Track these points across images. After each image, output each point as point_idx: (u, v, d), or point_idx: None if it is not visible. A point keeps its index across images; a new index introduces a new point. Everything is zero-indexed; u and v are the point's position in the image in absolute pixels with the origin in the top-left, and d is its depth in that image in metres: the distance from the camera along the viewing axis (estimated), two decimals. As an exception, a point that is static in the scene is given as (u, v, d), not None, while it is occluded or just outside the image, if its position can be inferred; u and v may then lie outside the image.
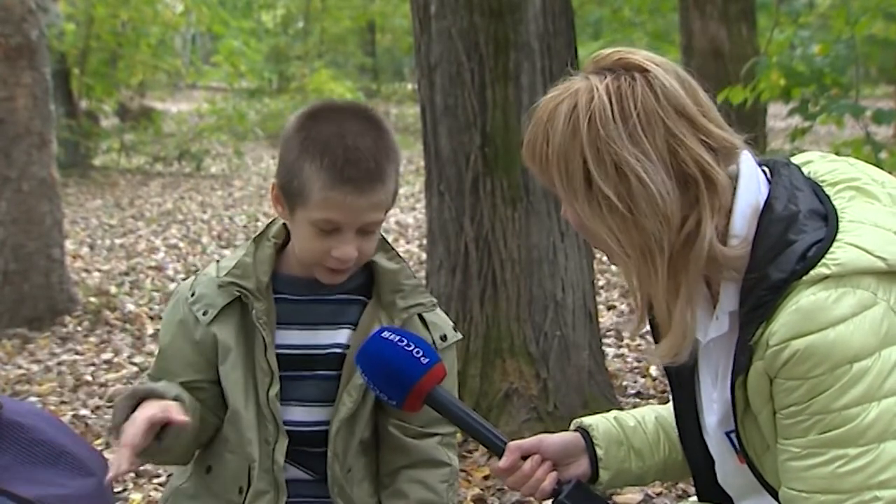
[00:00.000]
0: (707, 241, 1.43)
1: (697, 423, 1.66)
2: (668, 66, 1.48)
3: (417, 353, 1.69)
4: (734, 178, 1.48)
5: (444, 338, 1.93)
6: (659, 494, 3.41)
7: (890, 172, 1.57)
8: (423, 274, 6.00)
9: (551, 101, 1.49)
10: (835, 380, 1.38)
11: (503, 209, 3.75)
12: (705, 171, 1.43)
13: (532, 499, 1.69)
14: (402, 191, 12.71)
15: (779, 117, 9.20)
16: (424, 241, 5.33)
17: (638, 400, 4.29)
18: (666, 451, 1.78)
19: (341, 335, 1.92)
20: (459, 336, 1.99)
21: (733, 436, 1.56)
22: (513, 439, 1.68)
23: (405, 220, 9.54)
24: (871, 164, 1.59)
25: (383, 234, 1.93)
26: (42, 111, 6.09)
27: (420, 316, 1.94)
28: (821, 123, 5.80)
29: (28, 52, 5.97)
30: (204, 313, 1.87)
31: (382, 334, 1.73)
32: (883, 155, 5.39)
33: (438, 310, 1.99)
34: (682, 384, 1.67)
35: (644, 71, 1.45)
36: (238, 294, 1.86)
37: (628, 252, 1.45)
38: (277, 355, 1.88)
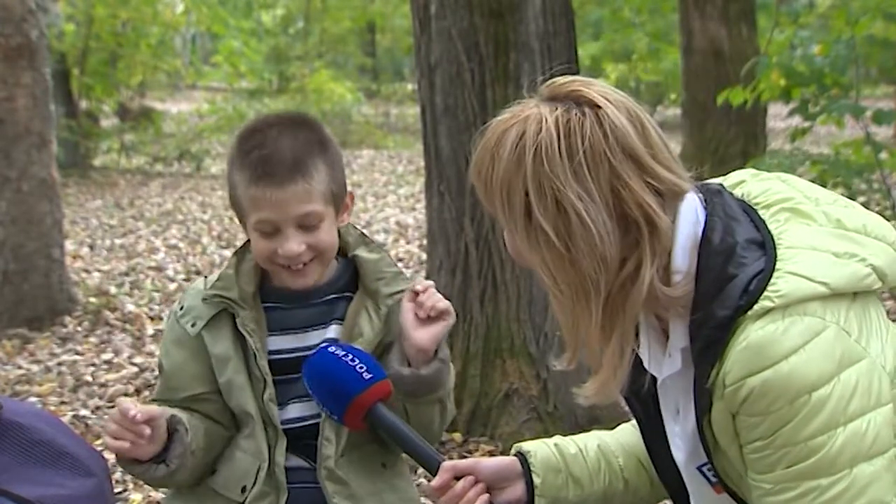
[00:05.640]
0: (645, 286, 1.41)
1: (670, 453, 1.64)
2: (620, 103, 1.45)
3: (360, 368, 1.69)
4: (675, 215, 1.46)
5: None
6: None
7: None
8: (423, 274, 6.00)
9: (501, 124, 1.48)
10: (795, 412, 1.35)
11: (503, 209, 3.75)
12: (648, 215, 1.41)
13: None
14: (401, 191, 12.65)
15: (779, 117, 9.20)
16: (424, 242, 5.32)
17: (638, 400, 4.28)
18: (606, 480, 1.76)
19: (330, 331, 1.96)
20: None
21: (706, 469, 1.54)
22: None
23: (405, 220, 9.51)
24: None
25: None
26: (42, 111, 6.09)
27: None
28: (821, 123, 5.79)
29: (28, 52, 5.97)
30: (192, 325, 1.94)
31: (329, 349, 1.73)
32: (883, 155, 5.37)
33: None
34: (648, 418, 1.65)
35: (596, 107, 1.43)
36: (224, 305, 1.93)
37: (562, 289, 1.43)
38: (271, 361, 1.93)
